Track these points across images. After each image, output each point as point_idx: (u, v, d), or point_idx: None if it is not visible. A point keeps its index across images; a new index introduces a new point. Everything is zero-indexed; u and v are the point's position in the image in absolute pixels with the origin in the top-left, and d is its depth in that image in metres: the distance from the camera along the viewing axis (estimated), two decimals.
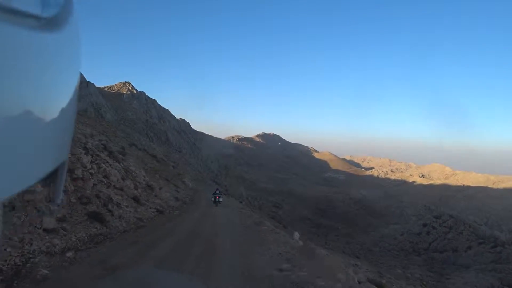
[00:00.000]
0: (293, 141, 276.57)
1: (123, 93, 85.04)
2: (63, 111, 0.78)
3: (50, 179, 0.88)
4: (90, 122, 38.39)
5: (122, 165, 20.24)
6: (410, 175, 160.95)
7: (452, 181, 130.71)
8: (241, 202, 48.38)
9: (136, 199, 16.15)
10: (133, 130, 61.18)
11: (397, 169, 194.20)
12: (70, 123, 0.91)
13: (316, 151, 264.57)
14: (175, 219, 16.39)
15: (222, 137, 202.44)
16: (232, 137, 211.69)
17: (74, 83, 0.86)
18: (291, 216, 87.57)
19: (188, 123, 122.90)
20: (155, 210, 16.82)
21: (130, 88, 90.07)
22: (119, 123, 59.52)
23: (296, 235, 16.29)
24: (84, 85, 57.01)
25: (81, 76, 58.63)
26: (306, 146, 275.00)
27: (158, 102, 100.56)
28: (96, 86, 74.38)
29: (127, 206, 14.19)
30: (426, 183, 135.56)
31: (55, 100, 0.74)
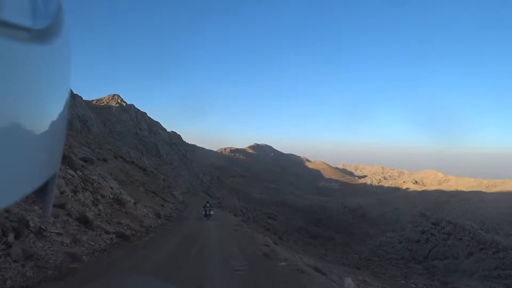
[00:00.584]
0: (285, 152, 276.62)
1: (112, 106, 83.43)
2: (53, 124, 0.77)
3: (40, 193, 0.85)
4: (73, 133, 36.74)
5: (80, 174, 15.87)
6: (403, 182, 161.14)
7: (446, 187, 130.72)
8: (235, 216, 45.27)
9: (83, 221, 11.11)
10: (122, 143, 59.56)
11: (390, 176, 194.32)
12: (60, 136, 0.90)
13: (308, 160, 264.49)
14: (139, 251, 11.16)
15: (214, 149, 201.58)
16: (224, 149, 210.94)
17: (64, 96, 0.85)
18: (286, 227, 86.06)
19: (179, 135, 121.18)
20: (114, 235, 11.75)
21: (119, 100, 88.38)
22: (107, 136, 57.85)
23: (349, 283, 12.28)
24: (71, 98, 55.07)
25: None
26: (298, 156, 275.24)
27: (148, 115, 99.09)
28: (84, 99, 73.22)
29: (58, 234, 8.91)
30: (419, 190, 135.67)
31: (46, 113, 0.73)
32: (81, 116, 53.83)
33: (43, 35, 0.69)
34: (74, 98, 57.14)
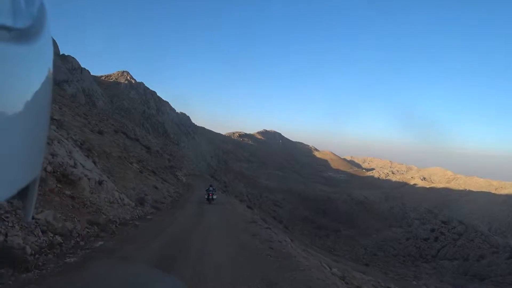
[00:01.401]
0: (293, 139, 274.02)
1: (121, 82, 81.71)
2: (35, 125, 0.76)
3: (20, 196, 0.83)
4: (73, 105, 35.03)
5: None
6: (411, 177, 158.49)
7: (454, 185, 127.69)
8: (241, 201, 42.85)
9: None
10: (128, 120, 58.00)
11: (398, 171, 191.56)
12: (42, 138, 0.88)
13: (316, 150, 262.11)
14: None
15: (223, 132, 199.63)
16: (233, 133, 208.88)
17: (46, 97, 0.82)
18: (292, 216, 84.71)
19: (188, 116, 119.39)
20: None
21: (128, 77, 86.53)
22: (112, 112, 56.27)
23: None
24: (78, 71, 53.78)
25: (76, 62, 55.49)
26: (306, 145, 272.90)
27: (158, 94, 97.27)
28: (93, 74, 71.55)
29: None
30: (427, 186, 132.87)
31: (27, 114, 0.70)
32: (87, 90, 52.09)
33: (24, 34, 0.68)
34: (81, 71, 55.50)
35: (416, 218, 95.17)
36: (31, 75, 0.72)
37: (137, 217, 13.31)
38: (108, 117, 45.19)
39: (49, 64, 0.85)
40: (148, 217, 14.12)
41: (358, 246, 68.36)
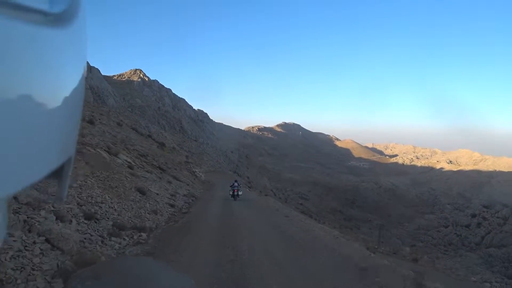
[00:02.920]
0: (314, 130, 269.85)
1: (134, 81, 79.56)
2: (69, 107, 0.78)
3: (56, 175, 0.87)
4: None
5: None
6: (437, 161, 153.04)
7: (482, 167, 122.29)
8: (265, 195, 38.92)
9: None
10: (142, 117, 55.53)
11: (422, 155, 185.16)
12: (76, 119, 0.92)
13: (337, 139, 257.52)
14: None
15: (242, 127, 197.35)
16: (252, 127, 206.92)
17: (80, 80, 0.85)
18: (320, 208, 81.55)
19: (206, 113, 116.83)
20: None
21: (141, 75, 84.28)
22: (125, 109, 53.82)
23: None
24: (87, 70, 51.45)
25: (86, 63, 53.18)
26: (327, 135, 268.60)
27: (173, 92, 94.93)
28: (106, 74, 69.69)
29: None
30: (455, 169, 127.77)
31: (61, 96, 0.73)
32: (95, 88, 49.73)
33: (59, 19, 0.69)
34: (90, 70, 53.34)
35: (448, 203, 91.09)
36: (67, 58, 0.75)
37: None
38: (118, 114, 42.73)
39: (85, 48, 0.87)
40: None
41: (393, 236, 64.51)
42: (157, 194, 16.59)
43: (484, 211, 62.09)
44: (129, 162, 19.43)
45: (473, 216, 62.27)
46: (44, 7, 0.63)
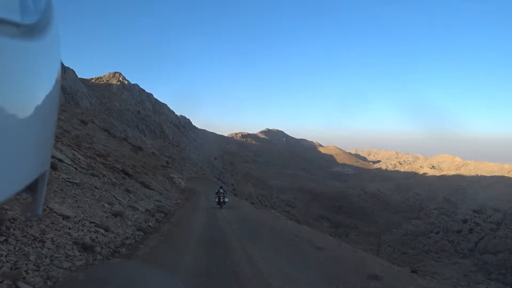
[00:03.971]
0: (297, 137, 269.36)
1: (112, 84, 76.22)
2: (43, 120, 0.76)
3: (29, 190, 0.83)
4: None
5: None
6: (420, 166, 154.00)
7: (465, 172, 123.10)
8: (252, 204, 36.38)
9: None
10: (119, 120, 52.55)
11: (404, 161, 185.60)
12: (50, 133, 0.89)
13: (321, 145, 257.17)
14: None
15: (225, 134, 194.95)
16: (236, 134, 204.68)
17: (53, 91, 0.81)
18: (306, 215, 79.60)
19: (189, 119, 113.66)
20: None
21: (120, 78, 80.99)
22: (101, 112, 50.68)
23: None
24: (61, 79, 48.34)
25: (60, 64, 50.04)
26: (310, 141, 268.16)
27: (155, 96, 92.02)
28: (85, 77, 66.68)
29: None
30: (438, 175, 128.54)
31: (36, 109, 0.70)
32: (68, 88, 46.53)
33: (32, 30, 0.68)
34: (64, 71, 50.12)
35: (434, 208, 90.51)
36: (39, 70, 0.73)
37: None
38: (93, 116, 39.65)
39: (57, 59, 0.86)
40: None
41: (382, 243, 62.71)
42: (70, 217, 8.33)
43: (475, 216, 60.82)
44: (72, 160, 15.11)
45: (464, 221, 60.83)
46: (16, 18, 0.62)
